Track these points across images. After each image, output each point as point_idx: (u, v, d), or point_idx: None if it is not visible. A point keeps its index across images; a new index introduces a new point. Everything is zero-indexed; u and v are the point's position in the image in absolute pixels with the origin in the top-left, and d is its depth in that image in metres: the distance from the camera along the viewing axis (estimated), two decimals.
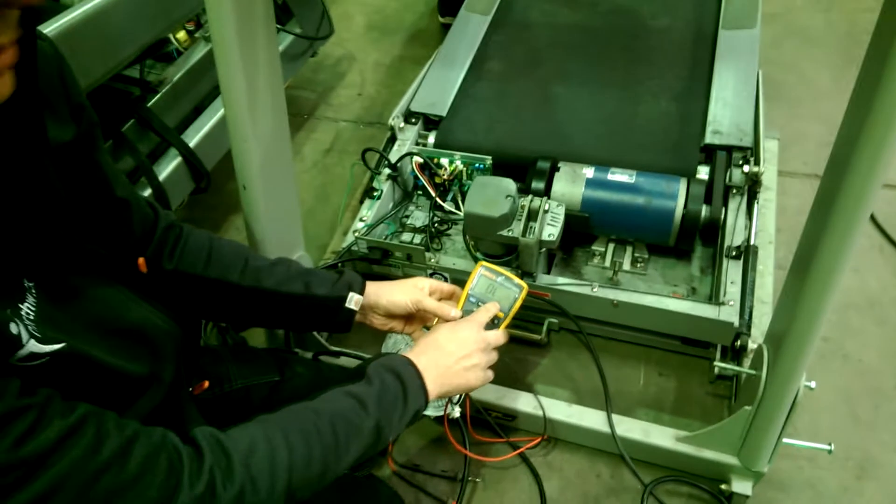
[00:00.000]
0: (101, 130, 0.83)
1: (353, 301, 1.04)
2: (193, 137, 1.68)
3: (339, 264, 1.49)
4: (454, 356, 0.94)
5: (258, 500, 0.71)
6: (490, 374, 1.01)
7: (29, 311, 0.63)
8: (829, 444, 1.15)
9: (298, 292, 1.02)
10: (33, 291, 0.65)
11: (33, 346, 0.63)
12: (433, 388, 0.90)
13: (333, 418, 0.80)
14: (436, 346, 0.95)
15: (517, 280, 1.08)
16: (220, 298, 1.01)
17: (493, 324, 1.05)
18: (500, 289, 1.08)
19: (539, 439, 1.29)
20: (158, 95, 1.64)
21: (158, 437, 0.69)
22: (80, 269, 0.73)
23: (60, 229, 0.71)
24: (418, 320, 1.13)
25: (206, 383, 1.07)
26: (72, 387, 0.67)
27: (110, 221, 0.83)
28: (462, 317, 1.04)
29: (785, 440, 1.13)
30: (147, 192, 1.53)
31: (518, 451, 1.30)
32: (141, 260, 0.89)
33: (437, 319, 1.07)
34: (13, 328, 0.61)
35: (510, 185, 1.28)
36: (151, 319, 0.83)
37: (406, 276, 1.47)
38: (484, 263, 1.10)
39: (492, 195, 1.27)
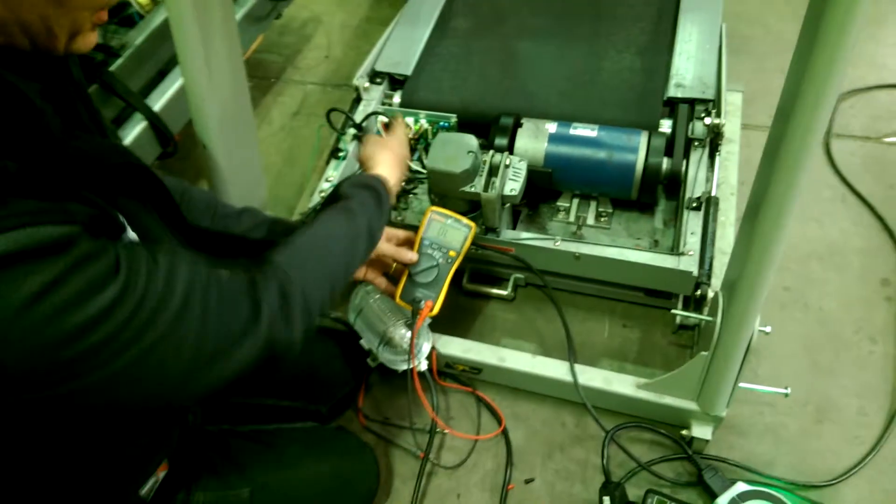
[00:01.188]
0: None
1: None
2: (158, 101, 1.66)
3: None
4: (400, 156, 1.18)
5: (314, 295, 0.82)
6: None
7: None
8: (787, 388, 1.18)
9: (264, 239, 1.09)
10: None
11: (132, 234, 0.71)
12: (392, 185, 1.09)
13: (342, 225, 0.94)
14: (383, 159, 1.13)
15: (465, 220, 1.19)
16: (191, 242, 1.04)
17: (447, 262, 1.17)
18: (450, 230, 1.19)
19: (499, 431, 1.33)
20: (121, 60, 1.62)
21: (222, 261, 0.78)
22: (132, 189, 0.77)
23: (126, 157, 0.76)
24: (378, 266, 1.23)
25: None
26: None
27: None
28: (418, 260, 1.19)
29: (742, 384, 1.16)
30: None
31: (477, 438, 1.33)
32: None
33: (395, 264, 1.20)
34: (120, 217, 0.69)
35: (472, 140, 1.28)
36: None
37: None
38: (434, 208, 1.19)
39: (453, 151, 1.27)
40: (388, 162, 1.13)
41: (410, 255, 1.20)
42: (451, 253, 1.17)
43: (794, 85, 0.81)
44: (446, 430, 1.32)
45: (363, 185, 1.03)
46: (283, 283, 0.78)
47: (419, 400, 1.20)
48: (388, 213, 1.05)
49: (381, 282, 1.26)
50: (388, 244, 1.19)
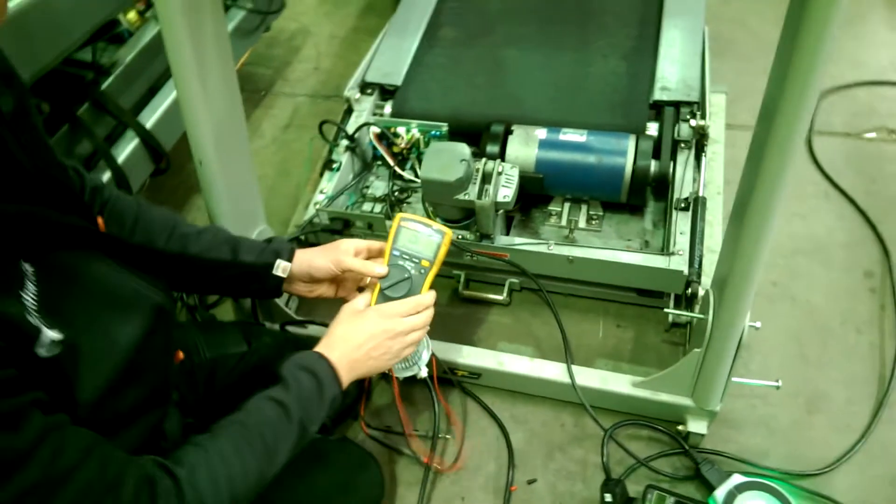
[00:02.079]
0: (56, 116, 0.84)
1: (280, 268, 1.06)
2: (150, 118, 1.67)
3: (302, 236, 1.51)
4: (362, 349, 0.96)
5: None
6: (406, 351, 1.02)
7: (31, 299, 0.64)
8: (777, 381, 1.21)
9: (225, 259, 1.05)
10: (32, 277, 0.65)
11: (49, 333, 0.64)
12: (345, 376, 0.94)
13: (261, 427, 0.84)
14: (344, 340, 0.97)
15: (438, 226, 1.06)
16: (146, 264, 0.98)
17: (420, 273, 1.04)
18: (422, 237, 1.06)
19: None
20: (112, 78, 1.63)
21: (138, 464, 0.73)
22: (64, 244, 0.72)
23: (35, 203, 0.71)
24: (350, 282, 1.14)
25: (181, 354, 1.09)
26: (71, 378, 0.69)
27: (65, 187, 0.81)
28: (388, 273, 1.05)
29: (734, 379, 1.19)
30: (107, 176, 1.53)
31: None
32: (99, 219, 0.88)
33: (369, 279, 1.09)
34: (30, 318, 0.63)
35: (464, 149, 1.31)
36: (145, 292, 0.82)
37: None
38: (403, 215, 1.07)
39: (446, 160, 1.30)
40: (347, 346, 0.96)
41: (379, 269, 1.05)
42: (425, 263, 1.04)
43: (776, 85, 0.83)
44: (448, 437, 1.34)
45: (306, 368, 0.91)
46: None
47: (421, 407, 1.21)
48: (334, 400, 0.92)
49: (353, 297, 1.16)
50: (352, 258, 1.07)
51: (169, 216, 1.06)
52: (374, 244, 1.11)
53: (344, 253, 1.08)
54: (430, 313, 1.04)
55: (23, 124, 0.75)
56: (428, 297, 1.04)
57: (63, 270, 0.70)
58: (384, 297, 1.04)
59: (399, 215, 1.08)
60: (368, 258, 1.10)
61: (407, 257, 1.05)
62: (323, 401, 0.91)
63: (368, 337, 0.97)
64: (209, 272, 1.06)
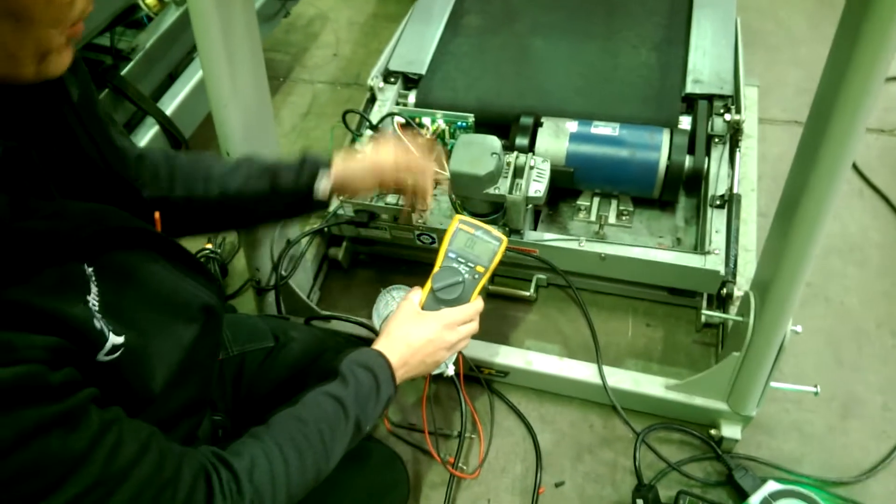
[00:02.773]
0: None
1: (321, 192, 1.04)
2: (170, 105, 1.65)
3: (326, 228, 1.48)
4: (419, 353, 0.95)
5: None
6: (448, 354, 1.01)
7: (95, 303, 0.62)
8: (815, 386, 1.18)
9: (265, 191, 1.02)
10: (94, 279, 0.62)
11: (113, 338, 0.62)
12: (400, 376, 0.93)
13: (319, 424, 0.82)
14: (405, 342, 0.95)
15: (496, 232, 1.05)
16: (192, 214, 1.00)
17: (473, 278, 1.02)
18: (479, 243, 1.04)
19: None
20: (131, 63, 1.61)
21: (195, 456, 0.71)
22: (124, 244, 0.70)
23: (101, 200, 0.68)
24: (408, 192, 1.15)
25: (220, 354, 1.08)
26: (128, 381, 0.67)
27: (130, 183, 0.79)
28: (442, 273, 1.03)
29: (772, 384, 1.15)
30: None
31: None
32: (157, 215, 0.86)
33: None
34: (96, 323, 0.60)
35: (495, 142, 1.27)
36: (200, 296, 0.80)
37: (393, 238, 1.47)
38: (461, 217, 1.06)
39: (477, 153, 1.26)
40: (408, 349, 0.94)
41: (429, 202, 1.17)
42: (479, 268, 1.02)
43: (834, 73, 0.78)
44: (473, 436, 1.31)
45: (365, 366, 0.89)
46: (234, 501, 0.71)
47: (446, 405, 1.19)
48: (389, 401, 0.91)
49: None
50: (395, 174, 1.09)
51: (200, 158, 1.03)
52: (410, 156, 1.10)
53: (384, 171, 1.08)
54: (478, 322, 1.02)
55: (89, 115, 0.72)
56: (481, 305, 1.03)
57: (119, 271, 0.68)
58: (434, 297, 1.01)
59: (457, 217, 1.06)
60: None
61: (462, 261, 1.03)
62: (379, 400, 0.88)
63: (426, 342, 0.95)
64: (251, 206, 1.04)
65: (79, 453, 0.58)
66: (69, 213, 0.63)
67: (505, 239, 1.05)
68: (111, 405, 0.63)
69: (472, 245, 1.04)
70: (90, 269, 0.63)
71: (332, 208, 1.45)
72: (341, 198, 1.14)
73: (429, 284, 1.02)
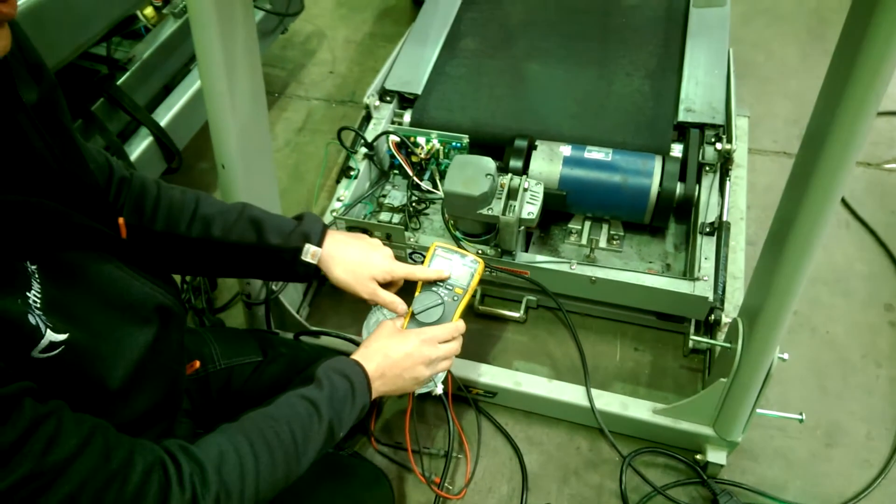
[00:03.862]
0: (70, 110, 0.80)
1: (310, 254, 0.98)
2: (164, 116, 1.64)
3: None
4: (397, 367, 0.94)
5: None
6: (429, 374, 0.99)
7: (36, 299, 0.61)
8: (801, 414, 1.19)
9: (249, 242, 0.97)
10: (37, 276, 0.62)
11: (50, 335, 0.62)
12: (377, 388, 0.92)
13: (291, 424, 0.81)
14: (382, 354, 0.94)
15: (472, 256, 1.08)
16: (171, 251, 0.97)
17: (453, 300, 1.04)
18: (456, 267, 1.06)
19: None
20: (128, 73, 1.60)
21: (150, 448, 0.70)
22: (74, 244, 0.70)
23: (50, 199, 0.67)
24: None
25: (197, 363, 1.06)
26: (76, 379, 0.66)
27: (88, 185, 0.78)
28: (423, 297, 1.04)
29: (758, 411, 1.16)
30: None
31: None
32: (121, 220, 0.84)
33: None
34: (31, 319, 0.60)
35: (489, 163, 1.28)
36: (154, 295, 0.79)
37: None
38: (438, 244, 1.09)
39: (471, 174, 1.27)
40: (385, 360, 0.94)
41: (402, 308, 1.03)
42: (458, 290, 1.05)
43: (827, 107, 0.79)
44: (459, 456, 1.31)
45: (341, 373, 0.89)
46: (198, 493, 0.70)
47: (433, 424, 1.18)
48: (363, 409, 0.90)
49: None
50: (382, 292, 1.02)
51: (191, 195, 0.99)
52: (400, 272, 1.04)
53: (370, 281, 1.02)
54: (461, 341, 1.03)
55: (48, 118, 0.72)
56: (462, 325, 1.03)
57: (66, 269, 0.67)
58: (416, 322, 1.03)
59: (435, 243, 1.09)
60: (392, 283, 1.05)
61: (441, 284, 1.05)
62: (354, 407, 0.88)
63: (405, 356, 0.95)
64: (233, 255, 0.99)
65: (7, 446, 0.56)
66: (8, 209, 0.62)
67: (481, 262, 1.08)
68: (58, 401, 0.62)
69: (451, 269, 1.06)
70: (33, 267, 0.62)
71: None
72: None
73: (410, 309, 1.03)
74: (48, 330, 0.61)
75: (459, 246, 1.32)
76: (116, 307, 0.73)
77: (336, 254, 1.01)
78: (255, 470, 0.76)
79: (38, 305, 0.61)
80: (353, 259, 1.01)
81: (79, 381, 0.67)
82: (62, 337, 0.63)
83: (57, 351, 0.63)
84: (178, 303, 0.86)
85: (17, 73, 0.68)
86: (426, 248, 1.40)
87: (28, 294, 0.61)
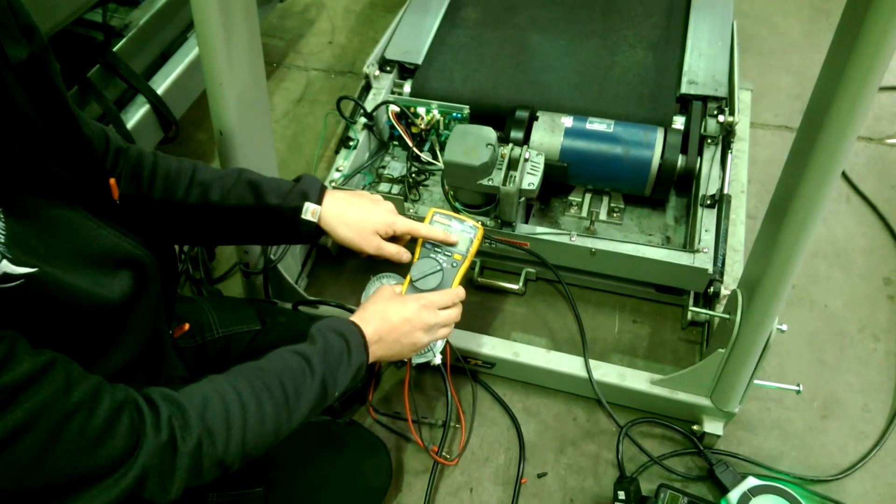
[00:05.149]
0: (66, 77, 0.79)
1: (310, 212, 0.97)
2: (161, 84, 1.63)
3: None
4: (396, 331, 0.94)
5: (215, 453, 0.72)
6: (428, 340, 0.98)
7: None
8: (798, 385, 1.20)
9: (248, 203, 0.97)
10: (1, 215, 0.61)
11: (6, 266, 0.59)
12: (374, 351, 0.91)
13: (281, 376, 0.80)
14: (380, 317, 0.93)
15: (471, 222, 1.06)
16: (170, 219, 0.96)
17: (452, 267, 1.03)
18: (455, 233, 1.05)
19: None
20: (124, 40, 1.58)
21: (122, 389, 0.68)
22: (44, 191, 0.68)
23: (24, 148, 0.66)
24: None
25: (187, 326, 1.05)
26: (45, 318, 0.65)
27: (73, 144, 0.76)
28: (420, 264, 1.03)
29: (756, 382, 1.17)
30: None
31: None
32: (112, 181, 0.82)
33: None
34: None
35: (490, 133, 1.27)
36: (123, 245, 0.77)
37: None
38: (436, 210, 1.07)
39: (472, 144, 1.26)
40: (383, 324, 0.93)
41: (407, 257, 1.04)
42: (457, 256, 1.04)
43: (829, 81, 0.79)
44: (457, 426, 1.31)
45: (336, 331, 0.88)
46: (177, 437, 0.68)
47: (431, 394, 1.19)
48: (360, 369, 0.88)
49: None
50: (386, 246, 1.02)
51: (188, 163, 0.98)
52: (402, 227, 1.03)
53: (374, 235, 1.01)
54: (460, 309, 1.02)
55: (37, 78, 0.71)
56: (462, 292, 1.02)
57: (33, 212, 0.65)
58: (414, 289, 1.02)
59: (432, 210, 1.07)
60: (397, 236, 1.05)
61: (439, 250, 1.04)
62: (350, 366, 0.86)
63: (404, 321, 0.94)
64: (233, 219, 0.98)
65: None
66: None
67: (481, 227, 1.06)
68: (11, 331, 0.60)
69: (449, 234, 1.05)
70: None
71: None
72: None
73: (408, 276, 1.03)
74: (5, 261, 0.59)
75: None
76: (82, 254, 0.71)
77: (337, 211, 0.99)
78: (242, 419, 0.74)
79: (2, 240, 0.60)
80: (354, 215, 1.00)
81: (44, 318, 0.65)
82: (22, 270, 0.61)
83: (14, 283, 0.60)
84: (152, 257, 0.83)
85: (7, 28, 0.68)
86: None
87: None
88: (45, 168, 0.68)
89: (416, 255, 1.05)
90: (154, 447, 0.66)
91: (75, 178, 0.73)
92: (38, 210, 0.66)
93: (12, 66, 0.67)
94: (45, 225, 0.67)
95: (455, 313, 1.01)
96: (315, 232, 0.99)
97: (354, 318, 0.93)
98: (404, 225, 1.03)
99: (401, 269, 1.26)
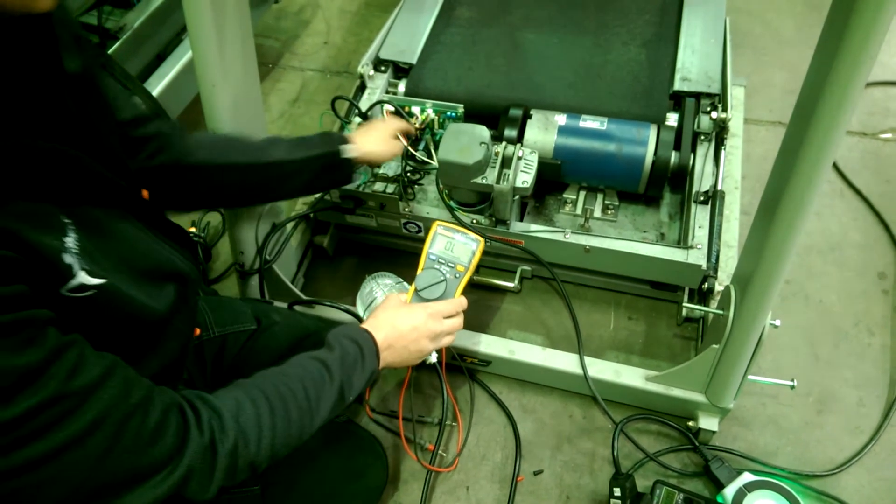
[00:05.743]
0: None
1: (349, 150, 1.15)
2: (157, 86, 1.63)
3: (311, 214, 1.48)
4: (404, 339, 0.98)
5: (248, 454, 0.75)
6: (433, 348, 1.04)
7: (74, 245, 0.64)
8: (792, 381, 1.20)
9: (301, 157, 1.12)
10: (72, 227, 0.64)
11: (83, 277, 0.64)
12: (384, 358, 0.96)
13: (304, 381, 0.84)
14: (390, 325, 0.98)
15: (473, 235, 1.12)
16: (217, 182, 1.07)
17: (455, 277, 1.09)
18: (457, 244, 1.11)
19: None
20: (119, 42, 1.59)
21: (168, 392, 0.72)
22: (103, 202, 0.72)
23: (84, 162, 0.69)
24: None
25: (198, 330, 1.08)
26: (104, 326, 0.68)
27: (117, 154, 0.79)
28: (425, 275, 1.09)
29: (750, 377, 1.17)
30: None
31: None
32: (144, 192, 0.85)
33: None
34: (66, 258, 0.62)
35: (484, 132, 1.28)
36: (173, 260, 0.82)
37: (379, 226, 1.48)
38: (440, 223, 1.14)
39: (466, 142, 1.27)
40: (393, 332, 0.97)
41: (412, 129, 1.38)
42: (459, 268, 1.09)
43: (817, 76, 0.80)
44: (453, 424, 1.32)
45: (351, 338, 0.92)
46: (216, 439, 0.72)
47: (427, 393, 1.19)
48: (371, 375, 0.92)
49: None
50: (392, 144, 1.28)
51: (230, 136, 1.13)
52: (401, 126, 1.33)
53: (396, 146, 1.29)
54: (462, 318, 1.07)
55: (89, 89, 0.74)
56: (465, 302, 1.08)
57: (95, 225, 0.69)
58: (419, 298, 1.07)
59: (436, 222, 1.14)
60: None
61: (443, 262, 1.10)
62: (364, 372, 0.91)
63: (412, 329, 0.99)
64: (291, 174, 1.12)
65: (35, 365, 0.57)
66: (38, 155, 0.63)
67: (482, 240, 1.12)
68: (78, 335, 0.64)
69: (452, 247, 1.12)
70: (68, 220, 0.64)
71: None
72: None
73: (413, 286, 1.08)
74: (82, 272, 0.64)
75: (458, 222, 1.33)
76: (138, 267, 0.75)
77: (363, 139, 1.20)
78: (272, 422, 0.78)
79: (76, 251, 0.64)
80: (375, 137, 1.24)
81: (104, 326, 0.69)
82: (96, 281, 0.65)
83: (87, 293, 0.65)
84: (196, 270, 0.89)
85: (62, 42, 0.70)
86: (420, 219, 1.41)
87: (64, 240, 0.63)
88: (105, 177, 0.71)
89: (421, 266, 1.10)
90: (198, 447, 0.70)
91: (129, 186, 0.77)
92: (100, 222, 0.70)
93: (69, 78, 0.70)
94: (108, 237, 0.71)
95: (458, 322, 1.06)
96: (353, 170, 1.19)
97: (366, 325, 0.97)
98: (399, 124, 1.33)
99: (396, 269, 1.27)
